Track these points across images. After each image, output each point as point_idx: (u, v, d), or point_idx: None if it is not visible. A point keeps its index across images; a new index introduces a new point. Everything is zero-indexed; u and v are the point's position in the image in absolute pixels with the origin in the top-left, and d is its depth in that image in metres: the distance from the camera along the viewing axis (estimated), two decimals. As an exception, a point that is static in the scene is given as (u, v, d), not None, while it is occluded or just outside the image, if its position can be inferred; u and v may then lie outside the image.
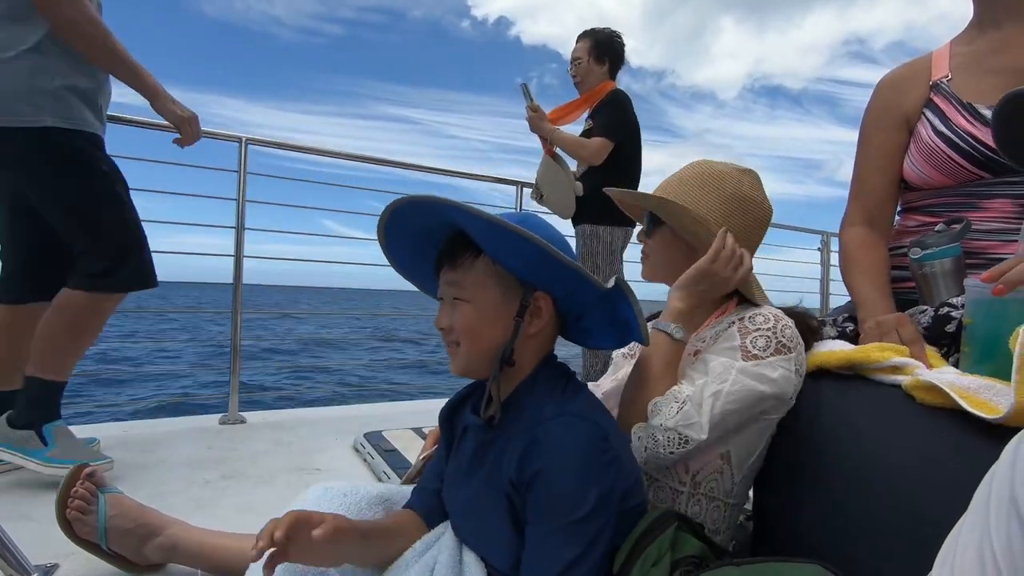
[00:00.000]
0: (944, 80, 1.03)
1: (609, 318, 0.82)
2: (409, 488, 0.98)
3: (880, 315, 0.93)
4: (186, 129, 1.62)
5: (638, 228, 1.08)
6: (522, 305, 0.76)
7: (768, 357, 0.83)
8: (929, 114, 1.03)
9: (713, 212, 0.93)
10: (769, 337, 0.84)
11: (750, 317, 0.88)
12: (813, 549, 0.79)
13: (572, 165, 2.57)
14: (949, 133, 0.99)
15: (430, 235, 0.82)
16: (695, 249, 0.94)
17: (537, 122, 2.47)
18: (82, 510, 1.02)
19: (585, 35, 2.54)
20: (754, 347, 0.84)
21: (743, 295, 0.97)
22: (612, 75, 2.54)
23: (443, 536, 0.84)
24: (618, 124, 2.39)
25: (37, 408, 1.45)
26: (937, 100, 1.02)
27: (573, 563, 0.66)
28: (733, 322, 0.89)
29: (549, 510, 0.69)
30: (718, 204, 0.93)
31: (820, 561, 0.68)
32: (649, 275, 1.04)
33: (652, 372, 0.88)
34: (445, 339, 0.81)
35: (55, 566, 1.06)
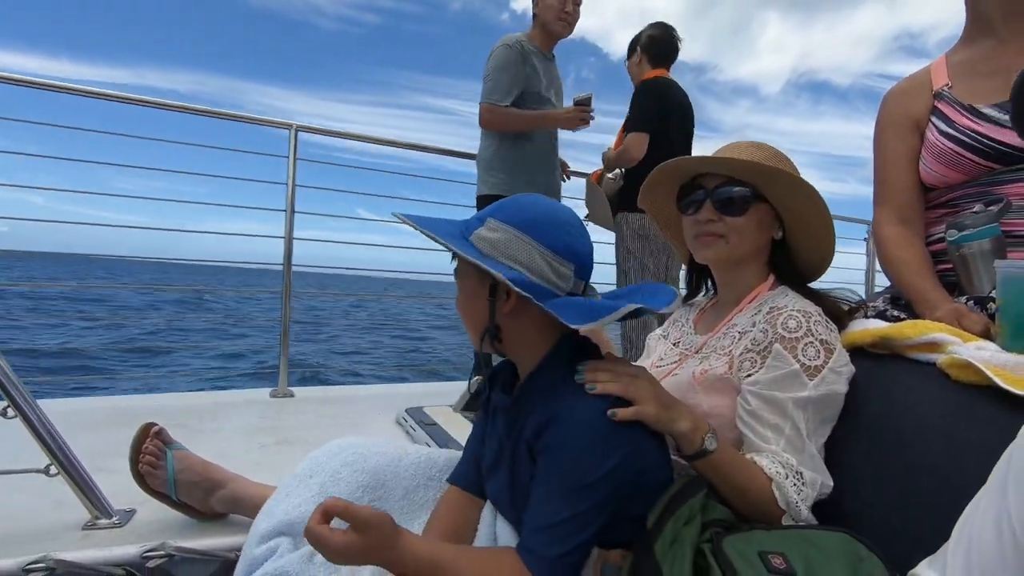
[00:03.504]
0: (945, 88, 1.10)
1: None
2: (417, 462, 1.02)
3: (940, 307, 0.94)
4: (574, 118, 2.26)
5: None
6: (491, 285, 0.81)
7: (827, 363, 0.83)
8: (935, 119, 1.09)
9: None
10: (812, 342, 0.84)
11: (782, 322, 0.86)
12: (844, 519, 0.81)
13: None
14: (955, 132, 1.04)
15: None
16: (776, 227, 0.96)
17: (612, 161, 2.45)
18: (152, 464, 1.13)
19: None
20: (809, 359, 0.83)
21: (776, 272, 0.97)
22: (653, 64, 2.48)
23: (483, 511, 0.90)
24: (644, 114, 2.34)
25: None
26: (941, 106, 1.09)
27: (563, 522, 0.71)
28: (766, 329, 0.87)
29: (555, 473, 0.73)
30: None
31: (847, 529, 0.70)
32: (723, 258, 0.97)
33: (732, 483, 0.81)
34: None
35: (133, 511, 1.17)
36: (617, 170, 2.53)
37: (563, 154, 2.61)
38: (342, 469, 0.96)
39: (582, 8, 2.37)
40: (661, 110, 2.35)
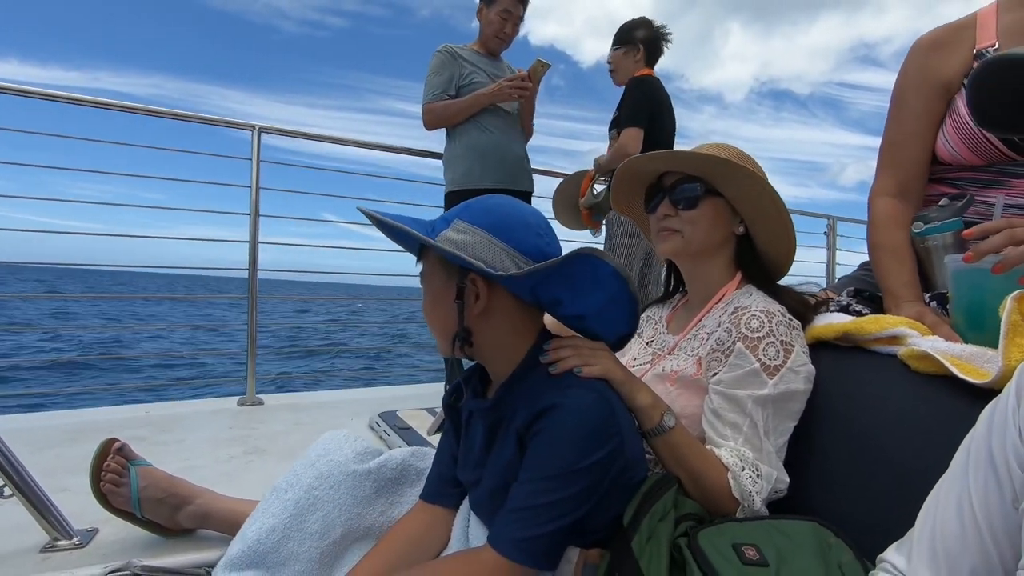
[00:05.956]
0: (990, 50, 0.94)
1: (567, 285, 0.80)
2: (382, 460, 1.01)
3: (905, 309, 0.92)
4: (505, 90, 2.26)
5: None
6: (458, 288, 0.78)
7: (786, 362, 0.85)
8: None
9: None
10: (774, 343, 0.85)
11: (745, 322, 0.87)
12: (812, 509, 0.83)
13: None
14: None
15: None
16: (736, 223, 0.97)
17: (607, 164, 2.42)
18: (115, 483, 1.08)
19: (613, 41, 2.50)
20: (769, 359, 0.84)
21: (742, 270, 0.99)
22: (648, 63, 2.44)
23: (455, 522, 0.89)
24: (636, 109, 2.31)
25: None
26: None
27: (538, 506, 0.71)
28: (730, 328, 0.88)
29: (541, 459, 0.73)
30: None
31: (815, 518, 0.73)
32: (679, 252, 0.99)
33: (688, 466, 0.83)
34: None
35: (95, 530, 1.13)
36: (603, 188, 2.50)
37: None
38: (318, 484, 0.92)
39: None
40: (655, 107, 2.34)
